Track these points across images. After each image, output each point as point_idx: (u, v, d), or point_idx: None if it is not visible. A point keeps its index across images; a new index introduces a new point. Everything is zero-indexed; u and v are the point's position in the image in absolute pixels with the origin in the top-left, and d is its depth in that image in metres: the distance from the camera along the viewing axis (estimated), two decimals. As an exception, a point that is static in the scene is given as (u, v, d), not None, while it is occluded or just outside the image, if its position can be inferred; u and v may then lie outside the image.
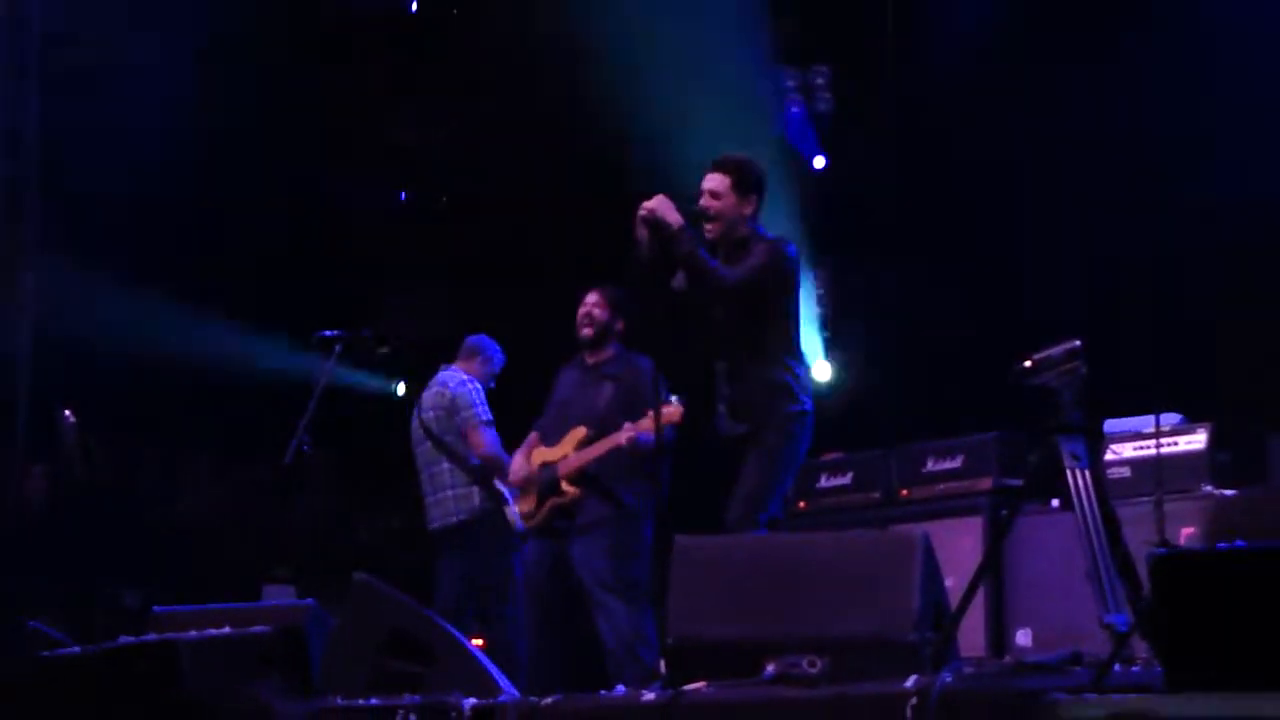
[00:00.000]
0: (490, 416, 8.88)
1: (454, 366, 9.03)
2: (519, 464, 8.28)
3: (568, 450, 8.05)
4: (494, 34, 12.08)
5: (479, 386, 8.95)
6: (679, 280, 6.85)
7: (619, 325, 8.22)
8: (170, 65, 10.67)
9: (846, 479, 9.30)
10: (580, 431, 8.02)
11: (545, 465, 8.09)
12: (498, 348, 9.13)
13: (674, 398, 7.43)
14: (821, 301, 10.87)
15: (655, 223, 6.70)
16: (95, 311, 10.54)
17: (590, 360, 8.22)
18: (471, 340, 9.15)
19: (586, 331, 8.18)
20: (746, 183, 6.92)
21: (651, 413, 7.15)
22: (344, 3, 12.40)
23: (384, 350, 9.58)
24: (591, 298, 8.21)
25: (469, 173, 12.36)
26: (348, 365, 8.93)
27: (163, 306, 10.82)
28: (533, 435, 8.31)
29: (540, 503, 8.06)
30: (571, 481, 7.99)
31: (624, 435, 7.73)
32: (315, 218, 11.75)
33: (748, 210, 6.92)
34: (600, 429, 7.93)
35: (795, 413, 6.77)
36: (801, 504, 9.12)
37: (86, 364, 10.39)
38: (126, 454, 11.05)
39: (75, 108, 10.54)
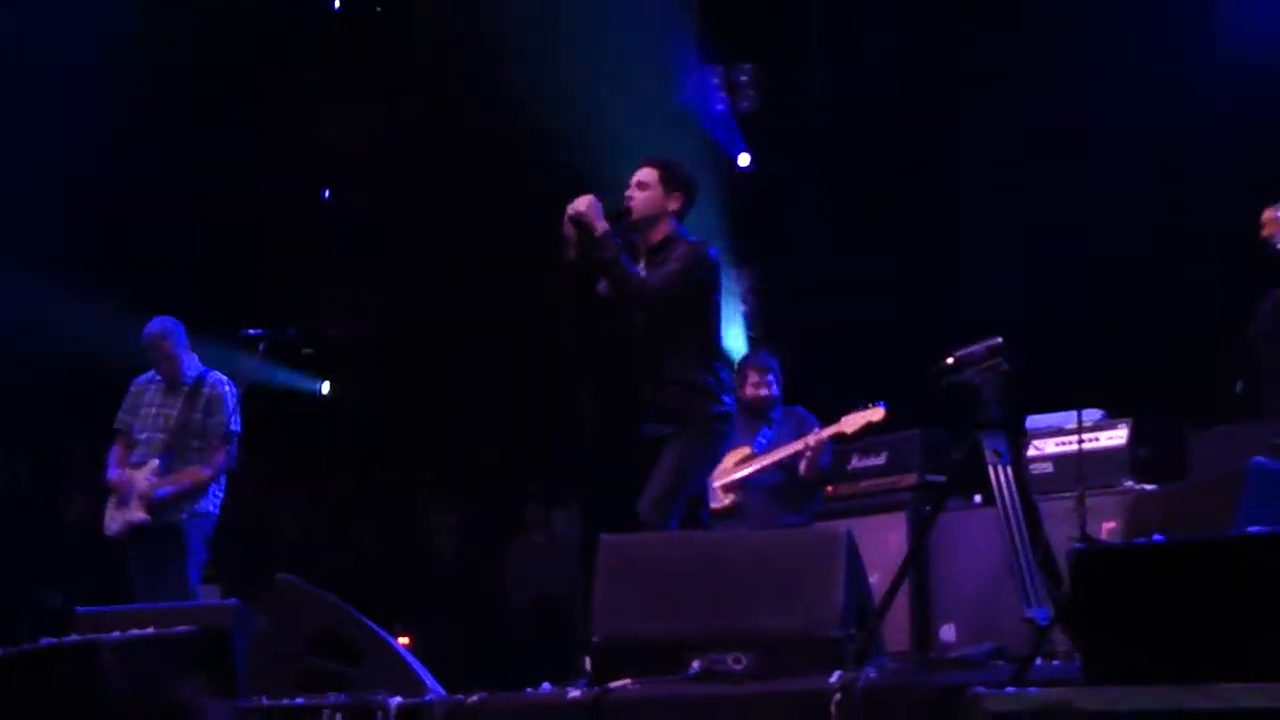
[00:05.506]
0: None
1: None
2: None
3: (726, 463, 8.17)
4: (418, 34, 12.06)
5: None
6: (603, 286, 6.84)
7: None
8: (88, 52, 10.57)
9: (772, 476, 9.33)
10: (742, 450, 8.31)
11: None
12: None
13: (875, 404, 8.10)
14: (746, 299, 10.90)
15: (581, 223, 6.69)
16: (18, 309, 10.42)
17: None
18: None
19: (765, 393, 8.53)
20: (674, 179, 6.90)
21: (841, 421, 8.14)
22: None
23: (308, 350, 9.53)
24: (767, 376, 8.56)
25: (393, 172, 12.32)
26: (272, 364, 8.87)
27: (88, 304, 10.72)
28: None
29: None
30: (727, 490, 8.25)
31: (812, 438, 8.19)
32: (240, 215, 11.67)
33: (672, 206, 6.89)
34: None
35: (717, 413, 6.77)
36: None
37: (7, 362, 10.28)
38: (48, 453, 10.94)
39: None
